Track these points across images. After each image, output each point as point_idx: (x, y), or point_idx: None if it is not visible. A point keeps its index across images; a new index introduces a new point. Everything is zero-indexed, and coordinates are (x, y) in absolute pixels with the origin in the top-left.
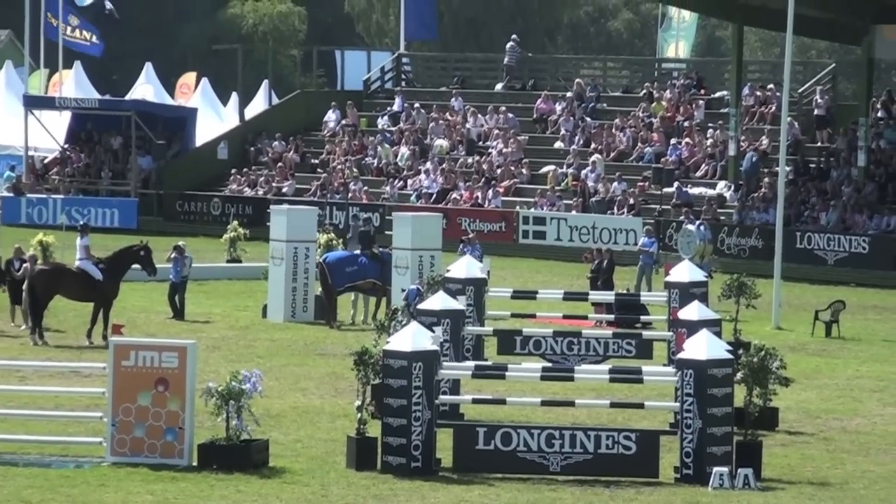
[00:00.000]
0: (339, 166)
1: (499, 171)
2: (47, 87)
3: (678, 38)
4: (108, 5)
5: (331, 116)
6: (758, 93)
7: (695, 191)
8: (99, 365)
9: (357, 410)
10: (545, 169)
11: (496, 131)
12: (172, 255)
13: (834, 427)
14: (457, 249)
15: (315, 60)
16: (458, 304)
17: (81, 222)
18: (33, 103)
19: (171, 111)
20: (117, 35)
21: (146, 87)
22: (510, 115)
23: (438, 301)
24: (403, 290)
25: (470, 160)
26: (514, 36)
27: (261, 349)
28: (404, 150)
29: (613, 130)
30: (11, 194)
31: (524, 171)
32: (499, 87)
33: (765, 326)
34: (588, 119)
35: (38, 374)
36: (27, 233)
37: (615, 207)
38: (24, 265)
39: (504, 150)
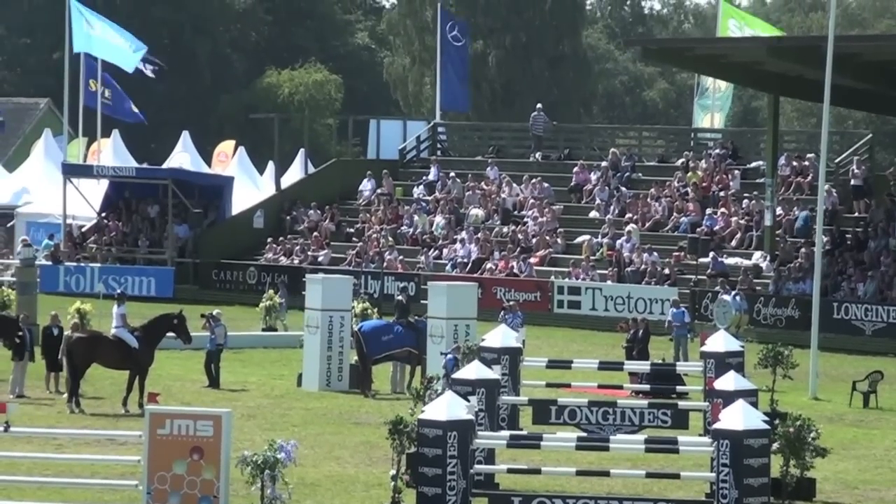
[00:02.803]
0: (375, 235)
1: (534, 240)
2: (86, 156)
3: (714, 108)
4: (147, 69)
5: (366, 185)
6: (794, 163)
7: (730, 261)
8: (135, 433)
9: (392, 479)
10: (580, 238)
11: (531, 200)
12: (204, 324)
13: (872, 498)
14: (492, 318)
15: (351, 129)
16: (494, 373)
17: (118, 291)
18: (72, 171)
19: (207, 179)
20: (155, 104)
21: (183, 156)
22: (545, 184)
23: (473, 370)
24: (442, 354)
25: (505, 229)
26: (538, 105)
27: (296, 418)
28: (439, 220)
29: (649, 200)
30: (50, 262)
31: (559, 240)
32: (534, 156)
33: (802, 397)
34: (623, 189)
35: (74, 441)
36: (65, 300)
37: (650, 277)
38: (66, 333)
39: (539, 220)
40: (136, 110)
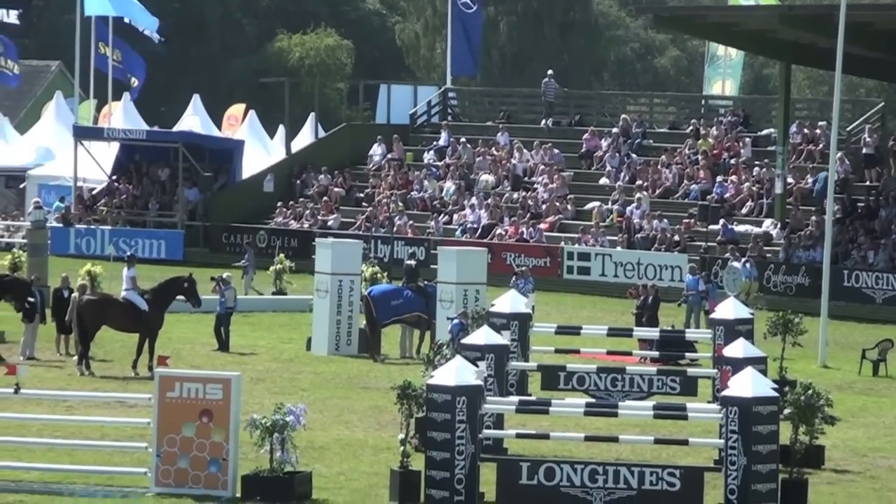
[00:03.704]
0: (385, 200)
1: (544, 206)
2: (96, 118)
3: (725, 76)
4: (155, 35)
5: (377, 150)
6: (805, 131)
7: (740, 228)
8: (144, 396)
9: (400, 444)
10: (590, 205)
11: (541, 167)
12: (214, 288)
13: (881, 465)
14: (502, 283)
15: (361, 94)
16: (503, 338)
17: (128, 253)
18: (82, 134)
19: (218, 143)
20: (166, 68)
21: (193, 119)
22: (556, 150)
23: (483, 336)
24: (449, 319)
25: (515, 195)
26: (549, 71)
27: (305, 382)
28: (450, 185)
29: (659, 167)
30: (60, 224)
31: (569, 206)
32: (545, 122)
33: (811, 365)
34: (634, 155)
35: (84, 404)
36: (75, 263)
37: (660, 244)
38: (73, 295)
39: (549, 186)
40: (135, 83)
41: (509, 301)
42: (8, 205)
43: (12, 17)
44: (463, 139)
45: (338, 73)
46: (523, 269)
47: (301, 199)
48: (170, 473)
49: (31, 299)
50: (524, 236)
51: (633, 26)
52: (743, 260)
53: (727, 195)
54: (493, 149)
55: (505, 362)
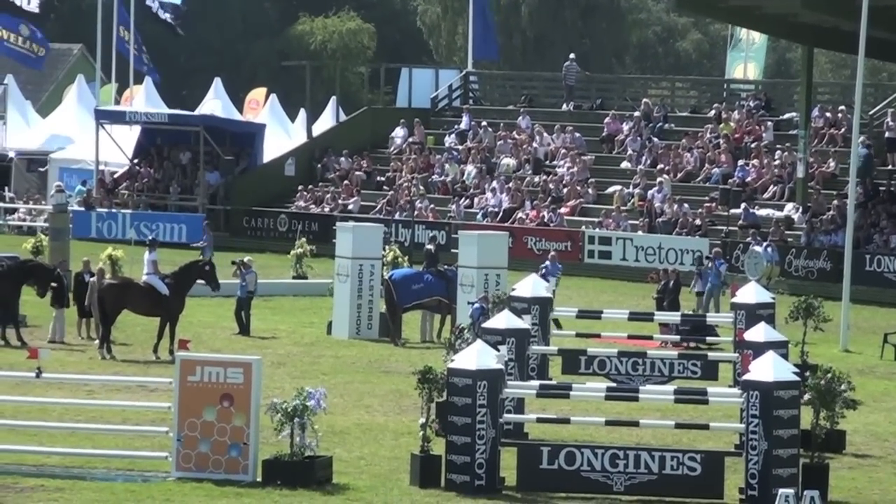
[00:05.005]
0: (406, 184)
1: (565, 190)
2: (118, 102)
3: (747, 60)
4: (175, 22)
5: (398, 133)
6: (828, 114)
7: (762, 212)
8: (165, 380)
9: (421, 428)
10: (611, 189)
11: (563, 150)
12: (235, 271)
13: None
14: (522, 267)
15: (382, 78)
16: (524, 322)
17: (150, 237)
18: (104, 117)
19: (239, 127)
20: (187, 51)
21: (215, 103)
22: (577, 134)
23: (503, 320)
24: (470, 303)
25: (536, 179)
26: (571, 54)
27: (325, 366)
28: (471, 169)
29: (681, 151)
30: (82, 208)
31: (590, 190)
32: (566, 106)
33: (833, 349)
34: (655, 139)
35: (105, 388)
36: (97, 246)
37: (681, 228)
38: (91, 279)
39: (571, 170)
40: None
41: (530, 285)
42: (30, 188)
43: (33, 4)
44: (484, 123)
45: (359, 56)
46: (552, 255)
47: (322, 183)
48: (190, 458)
49: (53, 284)
50: (545, 220)
51: (654, 9)
52: (764, 244)
53: (749, 179)
54: (515, 132)
55: (526, 346)
